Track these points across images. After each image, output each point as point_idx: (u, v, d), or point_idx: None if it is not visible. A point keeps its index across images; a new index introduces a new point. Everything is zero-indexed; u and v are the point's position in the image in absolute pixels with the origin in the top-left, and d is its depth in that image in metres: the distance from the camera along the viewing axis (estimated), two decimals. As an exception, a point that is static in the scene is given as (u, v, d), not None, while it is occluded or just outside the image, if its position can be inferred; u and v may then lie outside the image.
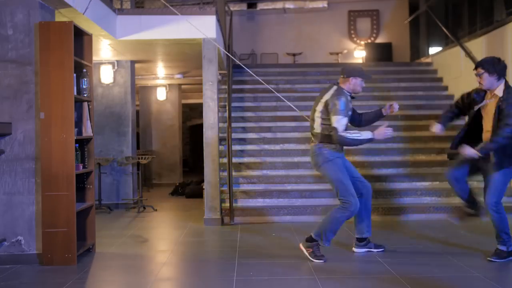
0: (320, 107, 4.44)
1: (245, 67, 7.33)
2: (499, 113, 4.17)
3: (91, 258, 4.78)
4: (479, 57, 7.87)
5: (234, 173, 6.87)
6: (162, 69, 9.99)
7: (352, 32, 13.26)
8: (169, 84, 11.68)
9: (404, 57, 12.42)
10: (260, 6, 13.05)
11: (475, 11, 8.93)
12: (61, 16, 5.10)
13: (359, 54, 12.80)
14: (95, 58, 7.81)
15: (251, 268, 4.30)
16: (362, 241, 4.70)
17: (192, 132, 16.64)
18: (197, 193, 8.63)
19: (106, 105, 8.27)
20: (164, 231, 6.63)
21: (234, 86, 8.75)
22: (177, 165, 11.96)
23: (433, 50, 10.76)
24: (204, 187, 6.63)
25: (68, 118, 4.49)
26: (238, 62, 7.51)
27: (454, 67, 8.96)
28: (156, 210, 7.78)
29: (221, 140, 7.11)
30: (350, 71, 4.48)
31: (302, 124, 8.25)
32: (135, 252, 5.07)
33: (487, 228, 5.84)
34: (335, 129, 4.28)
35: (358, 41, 13.18)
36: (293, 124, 8.31)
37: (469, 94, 4.49)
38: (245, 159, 7.64)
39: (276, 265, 4.39)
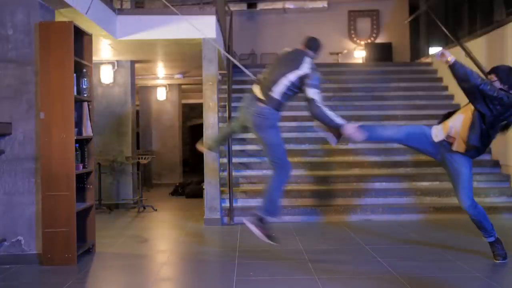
0: (294, 77, 4.37)
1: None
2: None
3: (91, 258, 4.77)
4: (479, 57, 7.88)
5: (234, 173, 6.88)
6: (162, 69, 9.99)
7: (352, 32, 13.26)
8: (169, 84, 11.68)
9: (404, 57, 12.41)
10: (260, 6, 13.04)
11: (475, 11, 8.92)
12: (61, 16, 5.10)
13: (359, 54, 12.79)
14: (95, 58, 7.79)
15: (251, 268, 4.30)
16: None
17: (192, 132, 16.62)
18: (197, 193, 8.63)
19: (106, 105, 8.28)
20: (164, 231, 6.63)
21: (234, 86, 8.75)
22: (177, 165, 11.96)
23: (433, 50, 10.74)
24: (204, 187, 6.63)
25: (68, 118, 4.49)
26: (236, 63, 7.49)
27: (454, 67, 8.93)
28: (156, 210, 7.78)
29: (221, 140, 7.10)
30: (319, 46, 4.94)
31: (302, 124, 8.24)
32: (135, 252, 5.06)
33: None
34: (313, 99, 4.27)
35: (358, 41, 13.17)
36: (293, 124, 8.31)
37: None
38: (245, 159, 7.64)
39: (276, 265, 4.40)
